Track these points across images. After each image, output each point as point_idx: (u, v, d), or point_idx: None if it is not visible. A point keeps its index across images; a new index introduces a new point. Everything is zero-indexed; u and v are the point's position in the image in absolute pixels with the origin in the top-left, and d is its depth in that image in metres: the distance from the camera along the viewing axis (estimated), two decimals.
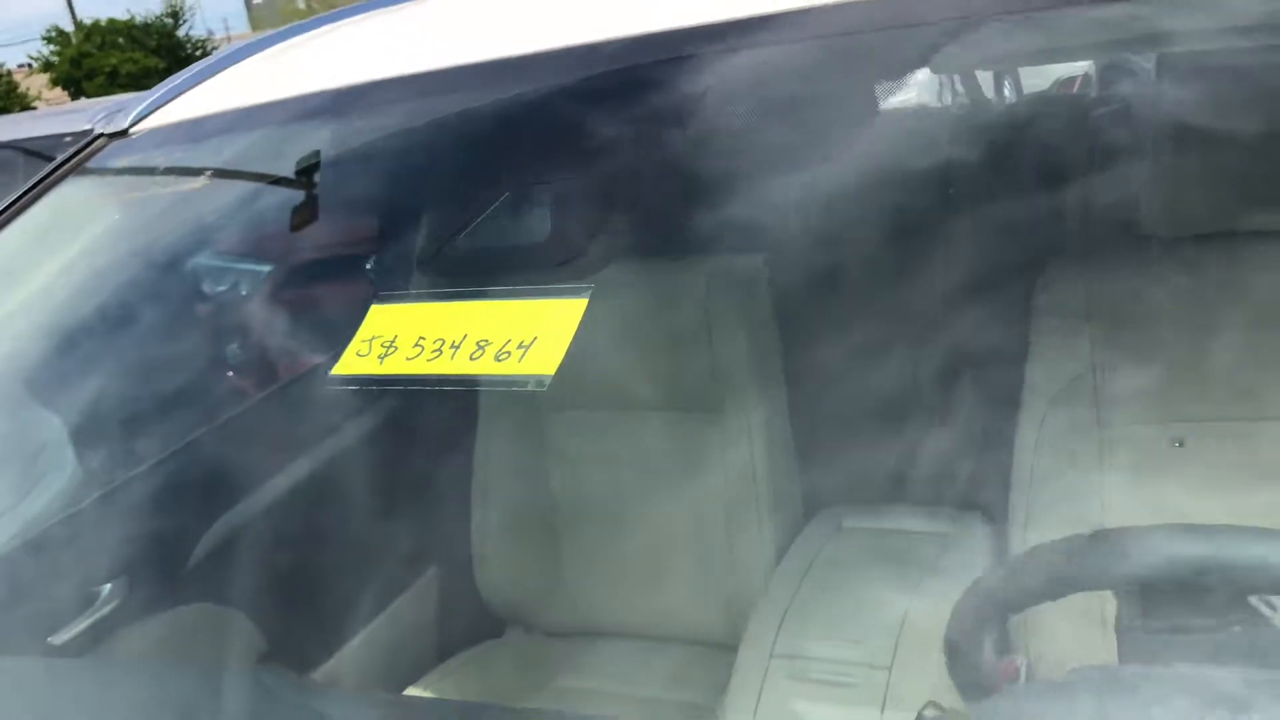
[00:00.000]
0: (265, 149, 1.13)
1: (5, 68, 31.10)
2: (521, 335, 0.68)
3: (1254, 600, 0.65)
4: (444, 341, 0.70)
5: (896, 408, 1.47)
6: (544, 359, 0.67)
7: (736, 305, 1.50)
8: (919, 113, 1.65)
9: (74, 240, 1.04)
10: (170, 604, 1.22)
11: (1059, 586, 0.70)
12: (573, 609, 1.60)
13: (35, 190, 1.04)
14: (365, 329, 0.75)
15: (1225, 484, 1.26)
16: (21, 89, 30.48)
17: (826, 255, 1.48)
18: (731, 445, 1.47)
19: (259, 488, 1.43)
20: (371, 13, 1.39)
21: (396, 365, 0.72)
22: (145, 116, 1.16)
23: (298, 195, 1.10)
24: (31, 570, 1.09)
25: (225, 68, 1.30)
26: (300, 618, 1.41)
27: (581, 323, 1.52)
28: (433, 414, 1.65)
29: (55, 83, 29.53)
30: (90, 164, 1.08)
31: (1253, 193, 1.23)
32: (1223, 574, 0.64)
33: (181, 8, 33.00)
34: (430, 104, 1.02)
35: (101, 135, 1.12)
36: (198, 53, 30.42)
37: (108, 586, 1.14)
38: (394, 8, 1.39)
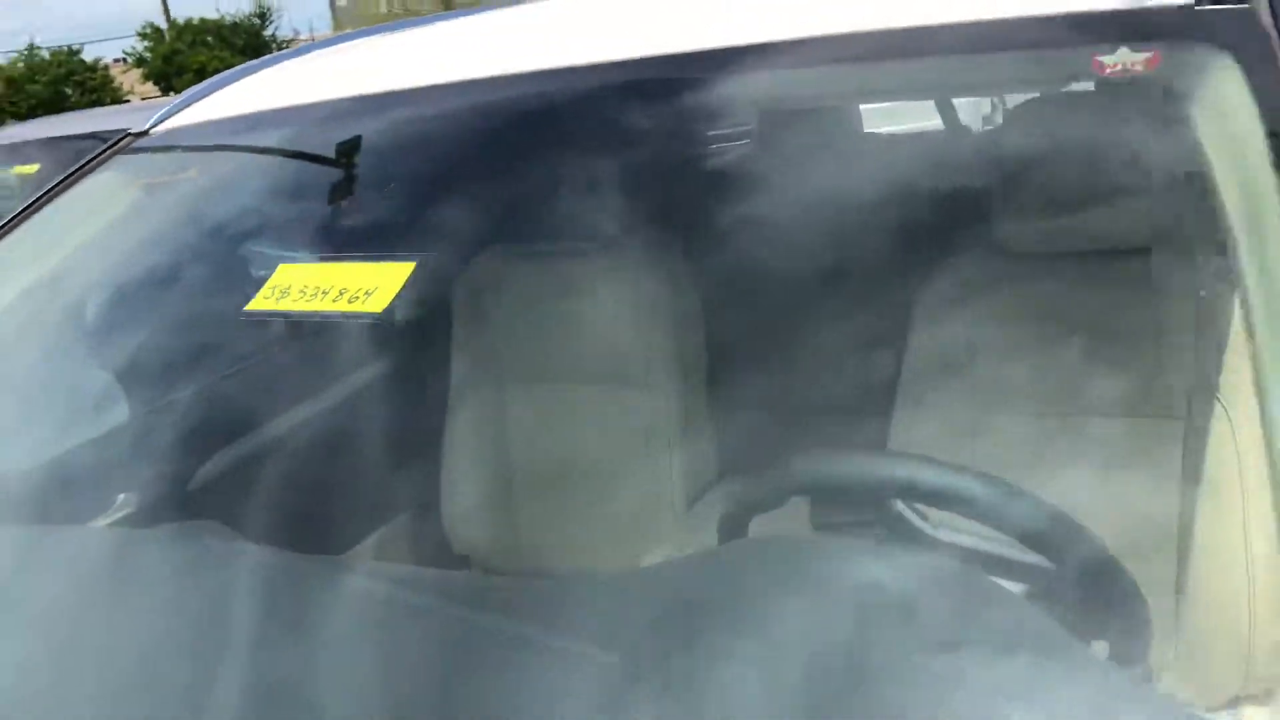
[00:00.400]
0: (260, 146, 1.40)
1: (103, 62, 32.45)
2: (368, 286, 0.95)
3: (899, 505, 0.87)
4: (319, 289, 0.98)
5: (799, 390, 1.70)
6: (378, 301, 0.94)
7: (666, 295, 1.75)
8: (832, 139, 1.88)
9: (92, 221, 1.33)
10: (174, 516, 1.49)
11: (773, 495, 0.93)
12: (525, 553, 1.85)
13: (71, 177, 1.33)
14: (272, 280, 1.03)
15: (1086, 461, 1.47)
16: (116, 83, 31.73)
17: (744, 258, 1.71)
18: (654, 415, 1.71)
19: (259, 428, 1.70)
20: (411, 30, 1.65)
21: (287, 304, 0.99)
22: (166, 119, 1.44)
23: (282, 188, 1.37)
24: (62, 479, 1.37)
25: (239, 79, 1.57)
26: (287, 541, 1.68)
27: (534, 308, 1.78)
28: (414, 381, 1.91)
29: (147, 78, 30.73)
30: (117, 157, 1.36)
31: (1087, 218, 1.44)
32: (866, 485, 0.86)
33: (269, 9, 34.05)
34: (386, 120, 1.29)
35: (128, 134, 1.40)
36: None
37: (122, 495, 1.41)
38: (424, 27, 1.64)
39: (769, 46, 1.13)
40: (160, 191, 1.39)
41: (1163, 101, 0.86)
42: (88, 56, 31.68)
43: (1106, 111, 1.22)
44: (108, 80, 31.47)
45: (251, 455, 1.66)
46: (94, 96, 29.19)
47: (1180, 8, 0.85)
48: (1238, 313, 0.82)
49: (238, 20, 33.45)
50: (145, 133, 1.40)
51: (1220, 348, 1.28)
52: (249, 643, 0.93)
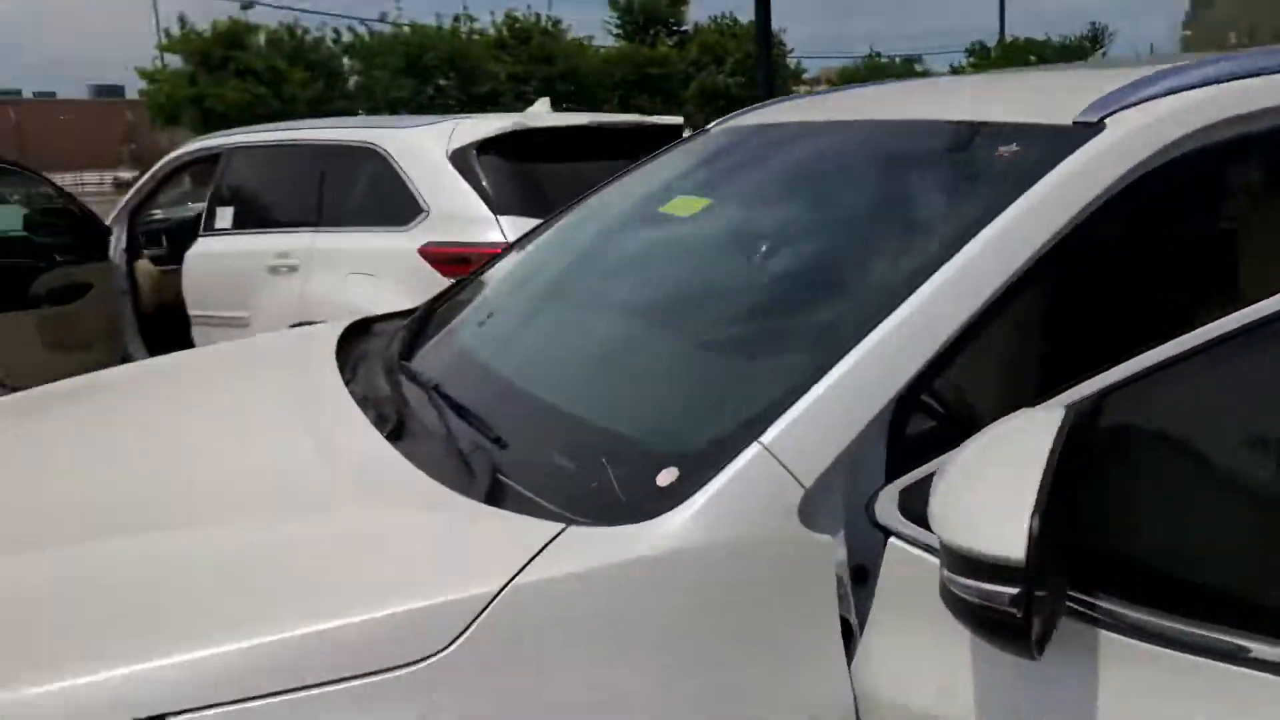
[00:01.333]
0: (765, 140, 2.43)
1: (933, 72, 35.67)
2: (697, 207, 2.00)
3: None
4: (683, 207, 2.06)
5: None
6: (689, 212, 1.98)
7: None
8: None
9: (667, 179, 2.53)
10: None
11: None
12: None
13: (669, 147, 2.54)
14: (673, 201, 2.11)
15: None
16: None
17: None
18: None
19: None
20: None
21: (669, 209, 2.08)
22: (724, 122, 2.56)
23: (768, 168, 2.38)
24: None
25: (784, 102, 2.63)
26: None
27: None
28: None
29: None
30: (696, 139, 2.53)
31: None
32: None
33: (1103, 30, 34.06)
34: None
35: (704, 129, 2.57)
36: None
37: None
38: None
39: None
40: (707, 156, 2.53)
41: (1018, 171, 1.53)
42: (923, 67, 34.82)
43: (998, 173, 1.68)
44: None
45: None
46: None
47: (1044, 125, 1.59)
48: None
49: (1068, 42, 33.90)
50: (706, 129, 2.56)
51: None
52: None
